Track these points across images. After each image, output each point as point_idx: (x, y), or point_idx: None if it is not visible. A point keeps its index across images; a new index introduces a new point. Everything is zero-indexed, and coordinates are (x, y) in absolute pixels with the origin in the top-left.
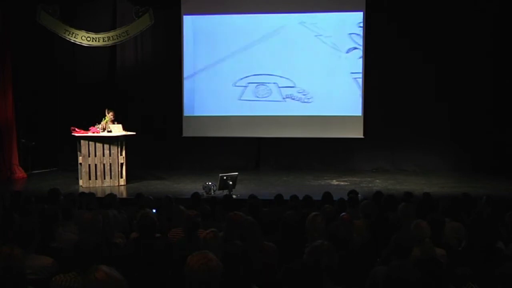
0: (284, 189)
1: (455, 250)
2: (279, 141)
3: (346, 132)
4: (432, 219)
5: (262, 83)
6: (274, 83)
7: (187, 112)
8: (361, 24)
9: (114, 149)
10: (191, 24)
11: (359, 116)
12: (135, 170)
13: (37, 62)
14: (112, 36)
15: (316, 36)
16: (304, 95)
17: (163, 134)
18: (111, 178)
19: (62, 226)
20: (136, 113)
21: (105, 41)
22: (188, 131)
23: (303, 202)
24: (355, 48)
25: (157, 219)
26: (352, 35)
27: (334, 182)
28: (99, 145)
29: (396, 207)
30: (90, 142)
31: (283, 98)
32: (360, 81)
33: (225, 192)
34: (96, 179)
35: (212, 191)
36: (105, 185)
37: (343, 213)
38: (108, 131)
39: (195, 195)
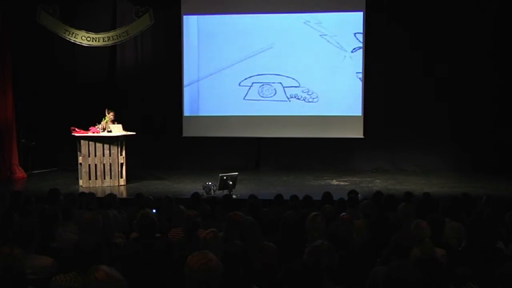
0: (284, 189)
1: (455, 250)
2: (279, 141)
3: (346, 132)
4: (432, 219)
5: (267, 83)
6: (279, 82)
7: (187, 112)
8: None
9: (114, 149)
10: (192, 24)
11: (359, 116)
12: (135, 170)
13: (37, 62)
14: (112, 36)
15: (321, 35)
16: (309, 94)
17: (163, 134)
18: (111, 178)
19: (62, 226)
20: (136, 113)
21: (105, 41)
22: (188, 131)
23: (303, 202)
24: (361, 48)
25: (157, 219)
26: (358, 34)
27: (334, 182)
28: (99, 145)
29: (396, 207)
30: (90, 142)
31: (288, 98)
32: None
33: (225, 192)
34: (96, 179)
35: (212, 191)
36: (105, 185)
37: (343, 213)
38: (108, 131)
39: (195, 195)
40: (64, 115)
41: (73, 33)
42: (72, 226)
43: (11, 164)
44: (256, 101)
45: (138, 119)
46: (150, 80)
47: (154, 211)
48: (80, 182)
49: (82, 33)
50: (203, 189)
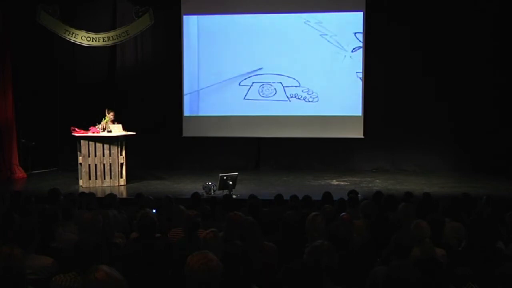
0: (284, 189)
1: (455, 250)
2: (279, 141)
3: (346, 132)
4: (432, 219)
5: (267, 83)
6: (279, 82)
7: (187, 112)
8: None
9: (114, 149)
10: (192, 24)
11: (359, 116)
12: (135, 170)
13: (37, 62)
14: (112, 36)
15: (321, 35)
16: (309, 94)
17: (163, 134)
18: (111, 178)
19: (62, 226)
20: (136, 113)
21: (105, 41)
22: (188, 131)
23: (303, 202)
24: (361, 48)
25: (157, 219)
26: (358, 34)
27: (334, 182)
28: (99, 145)
29: (396, 207)
30: (90, 142)
31: (288, 98)
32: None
33: (225, 192)
34: (96, 179)
35: (212, 191)
36: (105, 185)
37: (343, 213)
38: (108, 131)
39: (195, 195)
40: (64, 115)
41: (73, 33)
42: (72, 226)
43: (11, 164)
44: (256, 101)
45: (138, 119)
46: (150, 80)
47: (154, 211)
48: (80, 182)
49: (82, 33)
50: (203, 189)
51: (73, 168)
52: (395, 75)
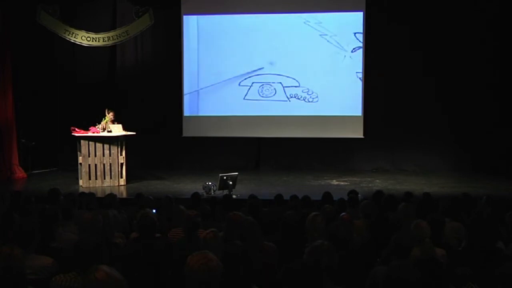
0: (284, 189)
1: (455, 250)
2: (279, 141)
3: (346, 132)
4: (432, 219)
5: (267, 83)
6: (279, 82)
7: (187, 112)
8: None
9: (114, 149)
10: (192, 24)
11: (359, 116)
12: (135, 170)
13: (37, 62)
14: (112, 36)
15: (321, 35)
16: (309, 94)
17: (163, 134)
18: (111, 178)
19: (62, 226)
20: (136, 113)
21: (105, 41)
22: (188, 131)
23: (302, 202)
24: (361, 48)
25: (157, 219)
26: (358, 34)
27: (334, 182)
28: (99, 145)
29: (396, 207)
30: (90, 142)
31: (288, 98)
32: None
33: (225, 192)
34: (96, 179)
35: (212, 191)
36: (105, 185)
37: (343, 213)
38: (108, 131)
39: (195, 195)
40: (64, 115)
41: (73, 33)
42: (72, 226)
43: (11, 164)
44: (256, 101)
45: (138, 119)
46: (150, 80)
47: (154, 211)
48: (80, 182)
49: (82, 33)
50: (203, 189)
51: (73, 168)
52: (395, 75)
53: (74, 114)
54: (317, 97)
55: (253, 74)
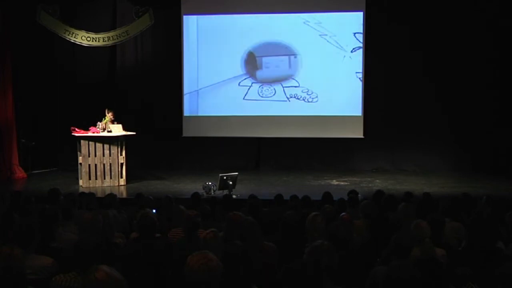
0: (284, 189)
1: (455, 250)
2: (279, 141)
3: (346, 132)
4: (432, 219)
5: (267, 83)
6: (278, 82)
7: (187, 112)
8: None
9: (114, 149)
10: (192, 24)
11: (359, 116)
12: (135, 170)
13: (37, 62)
14: (112, 36)
15: (320, 35)
16: (308, 94)
17: (163, 134)
18: (111, 178)
19: (62, 226)
20: (136, 113)
21: (105, 41)
22: (188, 131)
23: (302, 202)
24: (360, 48)
25: (157, 219)
26: (357, 34)
27: (334, 182)
28: (99, 145)
29: (396, 207)
30: (90, 142)
31: (288, 98)
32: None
33: (225, 192)
34: (96, 179)
35: (212, 191)
36: (105, 185)
37: (343, 213)
38: (108, 131)
39: (195, 195)
40: (64, 115)
41: (73, 33)
42: (72, 226)
43: (11, 164)
44: (256, 101)
45: (138, 119)
46: (150, 80)
47: (154, 211)
48: (80, 182)
49: (82, 33)
50: (203, 189)
51: (73, 168)
52: (395, 75)
53: (74, 114)
54: (317, 97)
55: (253, 74)
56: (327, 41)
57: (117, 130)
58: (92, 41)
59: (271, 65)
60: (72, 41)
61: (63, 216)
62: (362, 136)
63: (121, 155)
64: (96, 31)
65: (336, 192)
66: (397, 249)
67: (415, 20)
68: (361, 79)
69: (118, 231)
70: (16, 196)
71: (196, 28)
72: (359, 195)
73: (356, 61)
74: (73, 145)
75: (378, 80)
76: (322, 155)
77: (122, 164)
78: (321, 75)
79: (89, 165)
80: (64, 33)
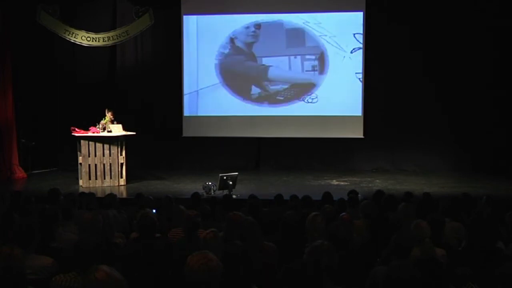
0: (284, 189)
1: (455, 250)
2: (279, 141)
3: (346, 132)
4: (432, 219)
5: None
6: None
7: (187, 112)
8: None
9: (114, 149)
10: (192, 24)
11: (359, 116)
12: (135, 170)
13: (37, 62)
14: (112, 36)
15: (320, 36)
16: (308, 94)
17: (163, 134)
18: (111, 178)
19: (62, 226)
20: (136, 113)
21: (105, 41)
22: (188, 131)
23: (302, 202)
24: (360, 48)
25: (157, 219)
26: (357, 35)
27: (334, 182)
28: (99, 145)
29: (396, 207)
30: (90, 142)
31: (288, 98)
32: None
33: (225, 192)
34: (96, 179)
35: (212, 191)
36: (105, 185)
37: (343, 213)
38: (108, 131)
39: (195, 195)
40: (64, 115)
41: (73, 33)
42: (72, 226)
43: (11, 164)
44: (256, 101)
45: (138, 119)
46: (150, 80)
47: (154, 211)
48: (80, 182)
49: (82, 33)
50: (203, 189)
51: (73, 168)
52: (395, 75)
53: (74, 114)
54: (316, 97)
55: (253, 74)
56: (327, 41)
57: (117, 130)
58: (92, 41)
59: (272, 65)
60: (72, 41)
61: (63, 216)
62: (362, 136)
63: (121, 155)
64: (96, 31)
65: (336, 192)
66: (397, 249)
67: (415, 20)
68: (361, 79)
69: (118, 231)
70: (16, 196)
71: (196, 28)
72: (359, 195)
73: (356, 62)
74: (73, 145)
75: (378, 80)
76: (322, 155)
77: (122, 164)
78: (321, 75)
79: (89, 165)
80: (64, 33)
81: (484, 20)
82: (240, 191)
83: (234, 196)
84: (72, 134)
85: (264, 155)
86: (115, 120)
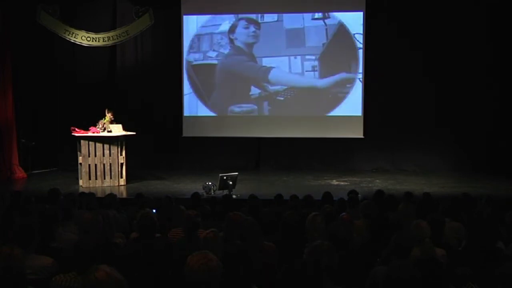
0: (284, 189)
1: (455, 250)
2: (279, 141)
3: (346, 132)
4: (432, 219)
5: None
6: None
7: (187, 112)
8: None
9: (114, 149)
10: (192, 23)
11: (359, 116)
12: (135, 170)
13: (37, 62)
14: (112, 36)
15: (320, 36)
16: (308, 95)
17: (163, 134)
18: (111, 178)
19: (62, 226)
20: (136, 113)
21: (105, 41)
22: (188, 131)
23: (304, 202)
24: (360, 49)
25: (157, 219)
26: (357, 35)
27: (334, 182)
28: (99, 145)
29: (396, 207)
30: (90, 142)
31: (288, 98)
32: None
33: (225, 192)
34: (96, 179)
35: (212, 191)
36: (105, 185)
37: (343, 213)
38: (108, 131)
39: (195, 195)
40: (64, 115)
41: (73, 33)
42: (72, 226)
43: (11, 164)
44: (256, 101)
45: (138, 119)
46: (150, 80)
47: (154, 211)
48: (80, 182)
49: (82, 33)
50: (203, 189)
51: (73, 168)
52: (395, 75)
53: (74, 114)
54: (316, 97)
55: (253, 74)
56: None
57: (117, 130)
58: (92, 41)
59: (271, 66)
60: (72, 41)
61: (63, 216)
62: (362, 136)
63: (121, 155)
64: (96, 31)
65: (336, 192)
66: (397, 249)
67: (415, 20)
68: (361, 79)
69: (118, 231)
70: (16, 196)
71: (196, 28)
72: (359, 195)
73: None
74: (73, 145)
75: (378, 80)
76: (322, 155)
77: (122, 164)
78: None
79: (89, 165)
80: (64, 33)
81: (484, 20)
82: (240, 191)
83: (234, 196)
84: (72, 134)
85: (264, 155)
86: (115, 120)
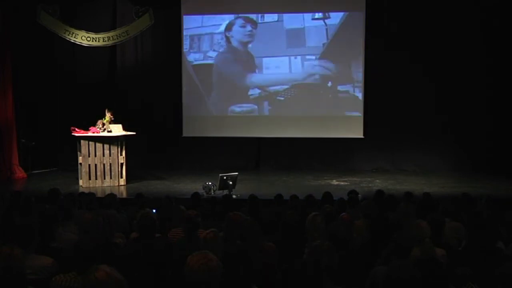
0: (284, 189)
1: (455, 250)
2: (279, 141)
3: (346, 132)
4: (432, 219)
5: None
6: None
7: (187, 112)
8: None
9: (114, 149)
10: (192, 23)
11: (359, 116)
12: (135, 170)
13: (37, 62)
14: (112, 36)
15: (320, 36)
16: (308, 95)
17: (163, 134)
18: (111, 178)
19: (62, 226)
20: (136, 113)
21: (105, 41)
22: (188, 131)
23: (305, 202)
24: (360, 49)
25: (157, 219)
26: (356, 35)
27: (334, 182)
28: (99, 145)
29: (396, 207)
30: (90, 142)
31: (288, 98)
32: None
33: (225, 192)
34: (96, 179)
35: (212, 191)
36: (105, 185)
37: (343, 213)
38: (108, 131)
39: (195, 195)
40: (64, 115)
41: (73, 33)
42: (72, 226)
43: (11, 164)
44: (256, 101)
45: (138, 119)
46: (150, 80)
47: (154, 211)
48: (80, 182)
49: (82, 33)
50: (203, 189)
51: (73, 168)
52: (395, 75)
53: (74, 114)
54: (316, 97)
55: (253, 74)
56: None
57: (117, 130)
58: (92, 41)
59: (271, 66)
60: (72, 41)
61: (63, 216)
62: (362, 136)
63: (121, 155)
64: (96, 31)
65: (336, 192)
66: (397, 249)
67: (415, 20)
68: (361, 79)
69: (118, 231)
70: (16, 196)
71: (197, 28)
72: (359, 195)
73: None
74: (73, 145)
75: (378, 80)
76: (322, 155)
77: (122, 164)
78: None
79: (89, 165)
80: (64, 33)
81: (484, 21)
82: (240, 191)
83: (234, 196)
84: (72, 134)
85: (264, 155)
86: (115, 120)
